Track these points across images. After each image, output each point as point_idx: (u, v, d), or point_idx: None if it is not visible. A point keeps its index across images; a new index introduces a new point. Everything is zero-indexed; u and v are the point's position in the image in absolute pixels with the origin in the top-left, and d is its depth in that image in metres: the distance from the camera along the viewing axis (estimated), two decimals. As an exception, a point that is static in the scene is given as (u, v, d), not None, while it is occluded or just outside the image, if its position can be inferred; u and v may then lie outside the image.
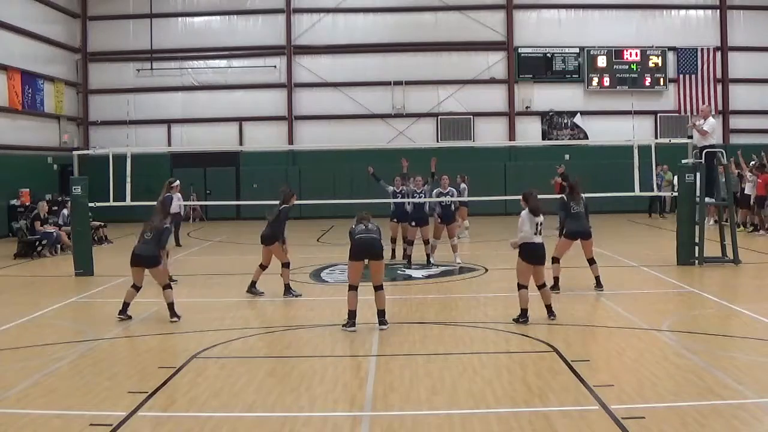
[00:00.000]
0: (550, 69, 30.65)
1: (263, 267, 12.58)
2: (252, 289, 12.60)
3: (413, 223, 15.95)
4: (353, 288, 9.90)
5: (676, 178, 25.55)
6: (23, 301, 12.56)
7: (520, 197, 10.59)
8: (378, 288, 9.96)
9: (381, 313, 9.96)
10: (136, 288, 10.83)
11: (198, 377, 7.83)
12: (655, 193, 21.13)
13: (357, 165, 27.32)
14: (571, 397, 7.00)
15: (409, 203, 16.05)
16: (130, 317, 10.71)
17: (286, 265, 12.49)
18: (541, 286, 10.26)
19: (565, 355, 8.34)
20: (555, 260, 12.23)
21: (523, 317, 9.99)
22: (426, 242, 16.04)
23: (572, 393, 7.09)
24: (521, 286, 10.09)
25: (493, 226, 23.30)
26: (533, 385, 7.35)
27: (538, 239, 10.17)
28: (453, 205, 16.25)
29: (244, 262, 17.76)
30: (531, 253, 10.10)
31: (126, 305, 10.77)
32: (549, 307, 10.24)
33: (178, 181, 15.67)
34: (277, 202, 12.68)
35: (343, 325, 9.84)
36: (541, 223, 10.22)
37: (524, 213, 10.30)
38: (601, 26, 30.59)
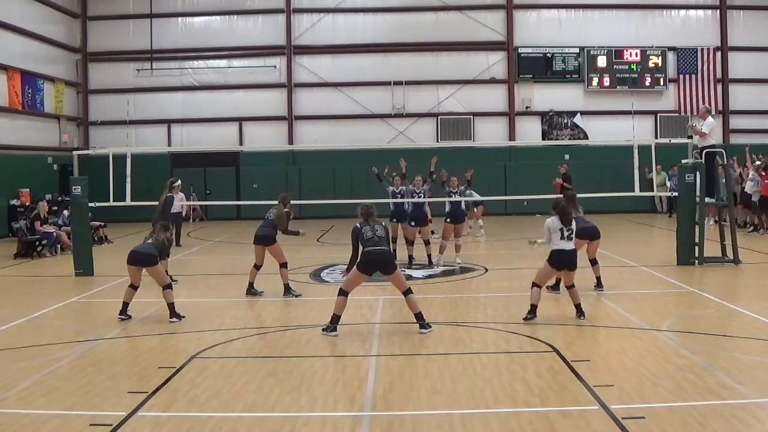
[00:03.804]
0: (550, 69, 30.64)
1: (257, 267, 12.62)
2: (251, 290, 12.62)
3: (412, 223, 15.91)
4: (344, 293, 9.69)
5: (667, 178, 25.80)
6: (23, 301, 12.56)
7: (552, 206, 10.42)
8: (406, 293, 9.69)
9: (418, 317, 9.66)
10: (134, 287, 10.83)
11: (198, 377, 7.83)
12: (655, 193, 21.12)
13: (357, 165, 27.39)
14: (571, 397, 7.00)
15: (407, 203, 16.03)
16: (129, 317, 10.72)
17: (284, 265, 12.52)
18: (570, 287, 10.23)
19: (565, 355, 8.34)
20: None
21: (531, 313, 10.02)
22: (426, 243, 15.99)
23: (572, 393, 7.09)
24: (535, 285, 10.11)
25: (493, 226, 23.30)
26: (533, 385, 7.35)
27: (568, 245, 10.12)
28: (463, 205, 16.22)
29: (244, 262, 17.75)
30: (561, 260, 10.06)
31: (125, 305, 10.77)
32: (578, 307, 10.19)
33: (179, 181, 15.65)
34: (276, 202, 12.87)
35: (324, 329, 9.61)
36: (569, 229, 10.15)
37: (550, 219, 10.24)
38: (601, 26, 30.58)
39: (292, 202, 13.49)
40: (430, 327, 9.67)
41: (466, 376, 7.73)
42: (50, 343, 9.42)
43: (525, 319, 10.01)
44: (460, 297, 12.73)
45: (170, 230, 13.66)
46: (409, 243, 16.04)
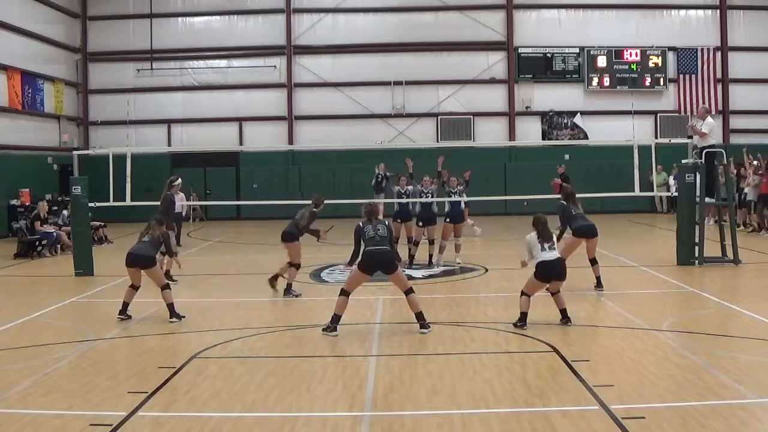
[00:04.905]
0: (550, 69, 30.65)
1: (291, 265, 12.46)
2: (288, 290, 12.44)
3: (420, 224, 15.87)
4: (346, 294, 9.68)
5: (671, 178, 25.81)
6: (23, 301, 12.56)
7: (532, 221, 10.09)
8: (408, 292, 9.67)
9: (418, 317, 9.64)
10: (135, 288, 10.83)
11: (198, 377, 7.83)
12: (655, 193, 21.13)
13: (357, 165, 27.37)
14: (571, 397, 7.00)
15: (413, 203, 15.97)
16: (129, 317, 10.72)
17: (296, 265, 12.47)
18: (555, 293, 9.97)
19: (565, 355, 8.33)
20: None
21: (521, 321, 9.80)
22: (431, 242, 15.98)
23: (572, 393, 7.09)
24: (524, 294, 9.86)
25: (493, 226, 23.31)
26: (533, 385, 7.35)
27: (552, 255, 9.80)
28: (463, 205, 16.19)
29: (244, 262, 17.77)
30: (547, 272, 9.74)
31: (125, 305, 10.77)
32: (564, 312, 9.94)
33: (179, 180, 15.56)
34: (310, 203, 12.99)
35: (324, 329, 9.59)
36: (548, 241, 9.83)
37: (529, 236, 9.99)
38: (601, 26, 30.60)
39: (291, 202, 13.48)
40: (430, 327, 9.67)
41: (466, 376, 7.73)
42: (50, 343, 9.42)
43: (515, 325, 9.80)
44: (460, 297, 12.73)
45: (170, 225, 13.61)
46: (414, 243, 16.00)
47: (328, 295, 12.19)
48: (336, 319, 9.60)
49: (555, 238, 10.09)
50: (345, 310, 9.71)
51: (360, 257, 9.71)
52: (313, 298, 12.39)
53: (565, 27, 30.67)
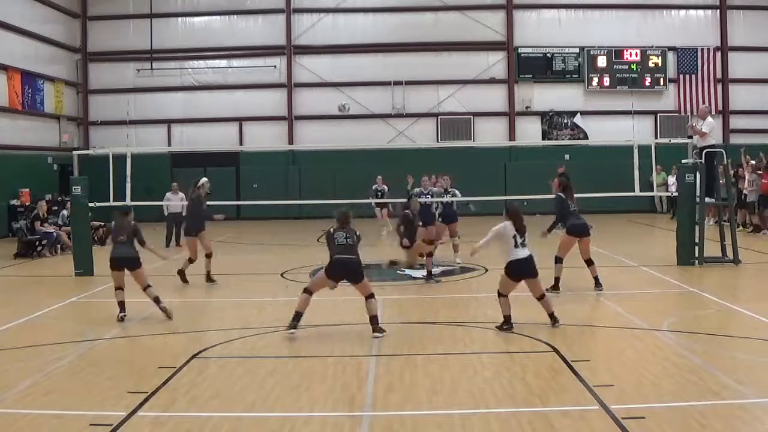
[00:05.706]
0: (550, 69, 30.65)
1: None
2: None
3: (419, 224, 15.90)
4: (309, 292, 9.71)
5: (672, 178, 25.80)
6: (23, 301, 12.56)
7: (504, 212, 9.95)
8: (368, 297, 9.61)
9: (372, 320, 9.53)
10: (122, 288, 10.79)
11: (198, 377, 7.83)
12: (655, 192, 21.13)
13: (357, 165, 27.36)
14: (571, 397, 7.00)
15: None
16: (125, 314, 10.67)
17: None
18: (540, 298, 9.77)
19: (565, 355, 8.33)
20: (558, 260, 12.13)
21: (506, 324, 9.65)
22: (430, 242, 15.98)
23: (572, 393, 7.10)
24: (501, 295, 9.69)
25: (493, 226, 23.26)
26: (533, 385, 7.35)
27: (522, 253, 9.57)
28: (455, 205, 16.25)
29: (244, 262, 17.76)
30: (518, 270, 9.56)
31: (122, 305, 10.72)
32: (552, 316, 9.76)
33: (204, 180, 15.30)
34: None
35: (286, 327, 9.60)
36: (522, 236, 9.61)
37: (501, 225, 9.74)
38: (601, 26, 30.60)
39: (291, 202, 13.48)
40: (384, 332, 9.47)
41: (465, 376, 7.73)
42: (50, 343, 9.41)
43: (500, 329, 9.65)
44: (460, 297, 12.73)
45: (200, 228, 13.59)
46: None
47: (328, 296, 12.19)
48: (297, 316, 9.59)
49: (527, 234, 9.79)
50: (306, 308, 9.65)
51: (328, 263, 9.71)
52: (312, 298, 12.34)
53: (565, 27, 30.67)
